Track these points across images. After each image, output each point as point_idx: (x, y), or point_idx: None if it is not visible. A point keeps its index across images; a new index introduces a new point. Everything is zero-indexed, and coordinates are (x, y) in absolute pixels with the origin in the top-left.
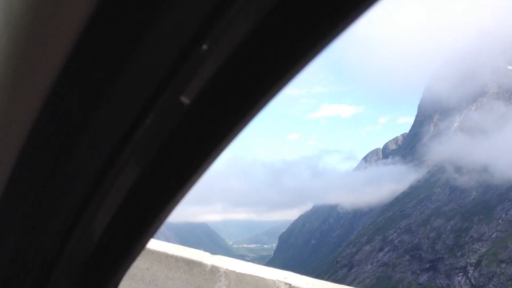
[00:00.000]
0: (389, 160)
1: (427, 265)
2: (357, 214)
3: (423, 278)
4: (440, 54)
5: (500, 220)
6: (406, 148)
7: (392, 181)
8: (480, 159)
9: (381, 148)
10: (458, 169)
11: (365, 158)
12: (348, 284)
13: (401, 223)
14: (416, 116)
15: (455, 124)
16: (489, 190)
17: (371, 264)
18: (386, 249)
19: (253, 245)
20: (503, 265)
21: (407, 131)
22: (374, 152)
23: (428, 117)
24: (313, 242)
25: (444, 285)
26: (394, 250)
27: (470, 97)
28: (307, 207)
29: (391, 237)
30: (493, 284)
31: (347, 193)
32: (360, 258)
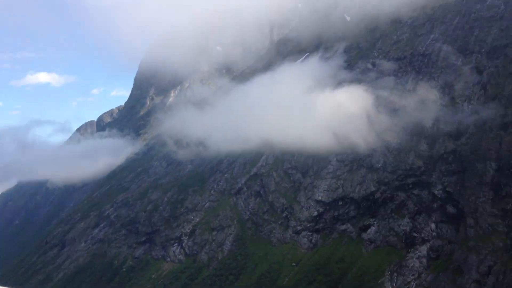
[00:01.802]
0: (105, 133)
1: (144, 238)
2: (69, 190)
3: (139, 251)
4: (157, 28)
5: (212, 191)
6: (122, 121)
7: (108, 155)
8: (197, 133)
9: (96, 120)
10: (177, 143)
11: (78, 131)
12: (60, 264)
13: (118, 198)
14: (132, 89)
15: (171, 99)
16: (203, 163)
17: (85, 242)
18: (102, 225)
19: None
20: (214, 233)
21: (122, 104)
22: (88, 125)
23: (145, 90)
24: (17, 222)
25: (160, 256)
26: (111, 225)
27: (184, 73)
28: (10, 184)
29: (107, 212)
30: (205, 251)
31: (58, 167)
32: (73, 236)
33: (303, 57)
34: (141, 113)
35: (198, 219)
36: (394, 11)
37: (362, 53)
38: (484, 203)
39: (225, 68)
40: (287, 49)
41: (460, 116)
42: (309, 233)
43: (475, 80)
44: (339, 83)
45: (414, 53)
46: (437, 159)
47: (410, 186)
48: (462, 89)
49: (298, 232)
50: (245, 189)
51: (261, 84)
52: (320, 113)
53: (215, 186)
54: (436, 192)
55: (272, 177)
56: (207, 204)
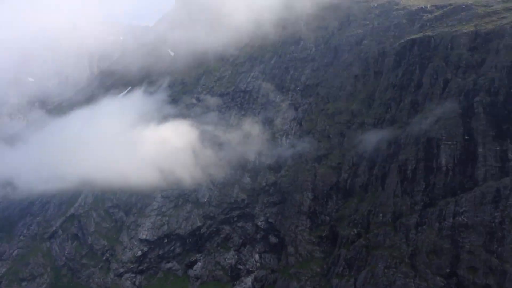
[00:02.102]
0: None
1: None
2: None
3: None
4: None
5: (22, 236)
6: None
7: None
8: (4, 172)
9: None
10: None
11: None
12: None
13: None
14: None
15: None
16: (11, 206)
17: None
18: None
19: None
20: (24, 283)
21: None
22: None
23: None
24: None
25: None
26: None
27: None
28: None
29: None
30: None
31: None
32: None
33: (126, 91)
34: None
35: (4, 270)
36: (219, 49)
37: (186, 88)
38: (303, 231)
39: (39, 101)
40: (109, 82)
41: (279, 150)
42: (133, 275)
43: (292, 116)
44: (164, 118)
45: (236, 89)
46: (260, 191)
47: (235, 218)
48: (281, 124)
49: (120, 275)
50: (60, 232)
51: (80, 118)
52: (145, 148)
53: (25, 231)
54: (259, 223)
55: (92, 218)
56: (16, 252)
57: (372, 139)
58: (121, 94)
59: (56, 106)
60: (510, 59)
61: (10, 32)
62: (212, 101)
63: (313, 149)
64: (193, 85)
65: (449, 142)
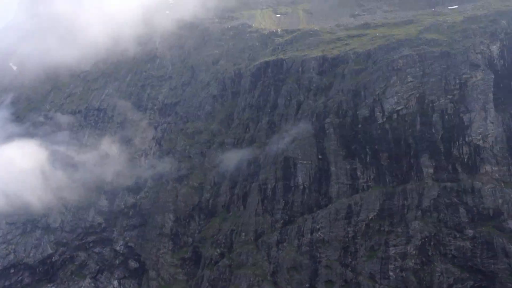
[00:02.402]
0: None
1: None
2: None
3: None
4: None
5: None
6: None
7: None
8: None
9: None
10: None
11: None
12: None
13: None
14: None
15: None
16: None
17: None
18: None
19: None
20: None
21: None
22: None
23: None
24: None
25: None
26: None
27: None
28: None
29: None
30: None
31: None
32: None
33: None
34: None
35: None
36: (71, 64)
37: (33, 105)
38: (165, 254)
39: None
40: None
41: (139, 170)
42: None
43: (151, 135)
44: (7, 137)
45: (89, 107)
46: (118, 214)
47: (91, 244)
48: (140, 143)
49: None
50: None
51: None
52: None
53: None
54: (118, 247)
55: None
56: None
57: (232, 158)
58: None
59: None
60: (354, 83)
61: None
62: (63, 119)
63: (174, 169)
64: (40, 102)
65: (305, 161)
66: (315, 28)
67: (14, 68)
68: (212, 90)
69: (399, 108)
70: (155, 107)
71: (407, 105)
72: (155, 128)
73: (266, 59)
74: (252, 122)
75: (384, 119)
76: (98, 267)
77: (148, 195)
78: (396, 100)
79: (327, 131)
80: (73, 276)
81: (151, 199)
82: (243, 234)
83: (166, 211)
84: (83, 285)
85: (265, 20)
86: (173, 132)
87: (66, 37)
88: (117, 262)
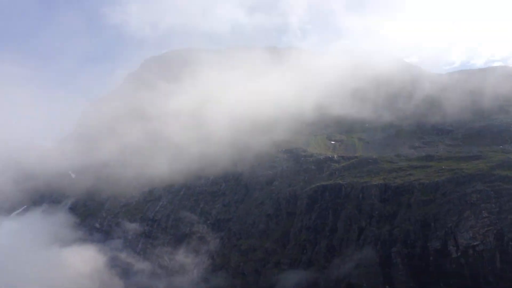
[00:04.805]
0: None
1: None
2: None
3: None
4: None
5: None
6: None
7: None
8: None
9: None
10: None
11: None
12: None
13: None
14: None
15: None
16: None
17: None
18: None
19: None
20: None
21: None
22: None
23: None
24: None
25: None
26: None
27: None
28: None
29: None
30: None
31: None
32: None
33: (20, 210)
34: None
35: None
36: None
37: (89, 212)
38: None
39: None
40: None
41: (191, 283)
42: None
43: (204, 249)
44: (66, 242)
45: (143, 217)
46: None
47: None
48: (193, 256)
49: None
50: None
51: None
52: (45, 271)
53: None
54: None
55: None
56: None
57: (290, 279)
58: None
59: None
60: (422, 214)
61: None
62: (118, 227)
63: (227, 285)
64: (96, 209)
65: None
66: (374, 157)
67: (73, 175)
68: (266, 209)
69: (475, 243)
70: (208, 222)
71: (484, 241)
72: (208, 242)
73: (323, 183)
74: (309, 244)
75: (459, 254)
76: None
77: None
78: (471, 235)
79: (394, 261)
80: None
81: None
82: None
83: None
84: None
85: (319, 146)
86: (226, 248)
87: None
88: None
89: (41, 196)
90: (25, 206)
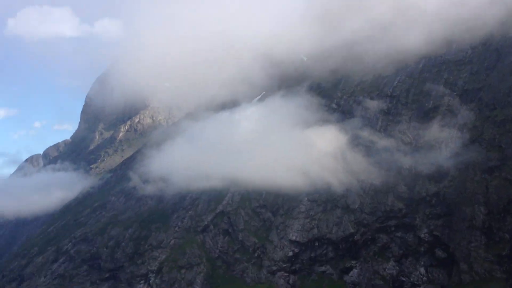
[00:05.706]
0: (56, 166)
1: (107, 275)
2: (21, 223)
3: (104, 287)
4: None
5: (177, 228)
6: (71, 155)
7: (61, 188)
8: (159, 169)
9: (41, 154)
10: (136, 178)
11: (25, 163)
12: None
13: (76, 232)
14: (79, 123)
15: (121, 134)
16: (164, 199)
17: (45, 277)
18: (61, 260)
19: None
20: (183, 271)
21: (67, 137)
22: (34, 158)
23: (93, 124)
24: None
25: None
26: (71, 260)
27: (133, 109)
28: None
29: (65, 247)
30: None
31: (7, 200)
32: (32, 271)
33: (260, 96)
34: (91, 147)
35: (164, 256)
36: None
37: (324, 93)
38: (477, 248)
39: (176, 105)
40: (243, 88)
41: (439, 159)
42: (286, 274)
43: (452, 123)
44: (306, 123)
45: (382, 92)
46: (419, 201)
47: (393, 228)
48: (438, 131)
49: (273, 273)
50: (211, 227)
51: (219, 122)
52: (290, 151)
53: (179, 223)
54: (422, 235)
55: (241, 215)
56: (172, 241)
57: None
58: (255, 99)
59: (193, 111)
60: None
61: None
62: (354, 106)
63: (481, 159)
64: (331, 90)
65: None
66: None
67: (305, 59)
68: None
69: None
70: (455, 93)
71: None
72: (456, 115)
73: None
74: None
75: None
76: (401, 251)
77: (453, 184)
78: None
79: None
80: (376, 257)
81: (456, 189)
82: None
83: (476, 203)
84: (387, 267)
85: None
86: (477, 120)
87: None
88: (422, 249)
89: (280, 81)
90: (264, 92)
